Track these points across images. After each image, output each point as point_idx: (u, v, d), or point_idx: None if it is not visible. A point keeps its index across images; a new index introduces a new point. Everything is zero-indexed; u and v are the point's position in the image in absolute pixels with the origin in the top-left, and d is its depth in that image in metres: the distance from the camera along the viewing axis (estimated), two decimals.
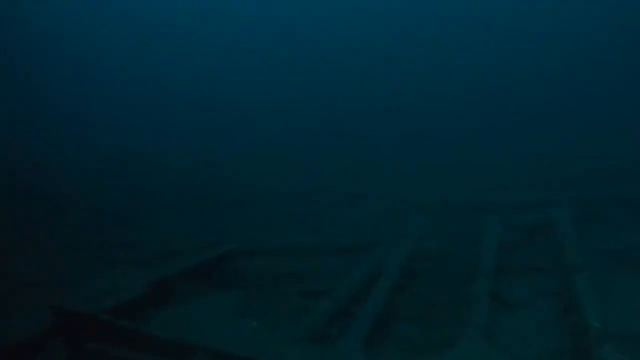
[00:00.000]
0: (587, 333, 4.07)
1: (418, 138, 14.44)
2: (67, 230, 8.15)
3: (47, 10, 24.65)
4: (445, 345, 4.30)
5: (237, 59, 24.51)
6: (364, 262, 6.48)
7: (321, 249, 7.21)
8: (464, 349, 4.09)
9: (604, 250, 6.81)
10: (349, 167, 11.55)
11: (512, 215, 8.22)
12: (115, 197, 10.49)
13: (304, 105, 18.73)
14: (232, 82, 22.07)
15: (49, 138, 15.75)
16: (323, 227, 8.27)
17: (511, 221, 7.70)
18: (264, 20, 27.15)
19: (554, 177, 10.72)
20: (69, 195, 10.12)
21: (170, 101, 20.57)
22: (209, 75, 23.06)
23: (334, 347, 4.19)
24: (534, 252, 6.83)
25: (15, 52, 21.99)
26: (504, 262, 6.35)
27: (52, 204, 9.32)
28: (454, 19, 23.92)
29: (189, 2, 28.27)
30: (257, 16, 27.37)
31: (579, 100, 17.06)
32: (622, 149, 12.20)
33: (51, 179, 10.79)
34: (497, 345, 4.42)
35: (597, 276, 5.52)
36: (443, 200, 9.43)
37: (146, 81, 22.59)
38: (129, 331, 3.90)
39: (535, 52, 20.49)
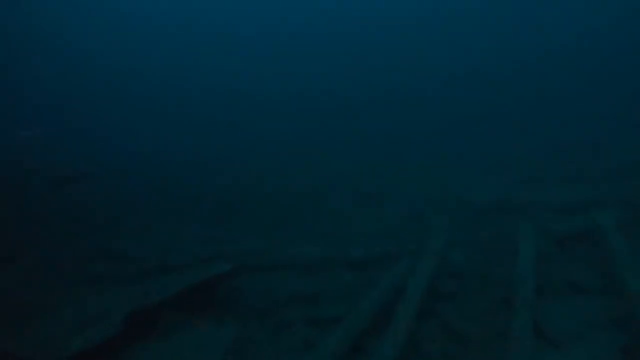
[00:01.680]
0: None
1: (435, 131, 13.39)
2: (56, 239, 7.44)
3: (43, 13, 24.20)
4: None
5: (247, 55, 23.79)
6: (381, 280, 5.64)
7: (332, 263, 6.37)
8: None
9: None
10: (364, 165, 10.57)
11: (548, 218, 7.26)
12: (118, 201, 9.78)
13: (315, 100, 17.78)
14: (240, 77, 21.32)
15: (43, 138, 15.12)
16: (335, 232, 7.41)
17: (548, 228, 6.71)
18: (272, 19, 26.35)
19: (586, 169, 9.66)
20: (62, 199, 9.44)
21: (174, 97, 19.88)
22: (215, 71, 22.36)
23: None
24: (577, 267, 5.88)
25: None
26: (544, 281, 5.45)
27: (41, 210, 8.62)
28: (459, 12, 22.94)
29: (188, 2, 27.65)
30: (269, 15, 26.61)
31: (593, 90, 15.81)
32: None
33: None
34: None
35: None
36: (468, 200, 8.48)
37: (147, 79, 22.01)
38: None
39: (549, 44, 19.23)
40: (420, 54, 20.90)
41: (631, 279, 5.13)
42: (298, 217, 8.18)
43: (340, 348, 4.20)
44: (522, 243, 6.10)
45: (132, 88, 22.20)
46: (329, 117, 15.81)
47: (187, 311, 4.89)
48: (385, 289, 5.36)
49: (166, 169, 12.55)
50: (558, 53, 18.19)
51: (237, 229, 7.70)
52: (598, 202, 7.73)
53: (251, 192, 9.61)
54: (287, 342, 4.55)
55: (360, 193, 8.99)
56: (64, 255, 6.62)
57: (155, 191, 10.07)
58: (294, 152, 12.28)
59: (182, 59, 24.76)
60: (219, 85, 21.51)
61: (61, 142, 14.98)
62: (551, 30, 19.68)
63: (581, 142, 11.19)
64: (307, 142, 13.50)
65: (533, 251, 5.90)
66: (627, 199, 7.85)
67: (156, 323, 4.58)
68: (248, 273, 6.12)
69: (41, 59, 21.97)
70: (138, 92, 21.69)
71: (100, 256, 6.59)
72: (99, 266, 6.20)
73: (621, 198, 7.87)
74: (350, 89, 18.27)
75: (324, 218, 8.12)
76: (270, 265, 6.43)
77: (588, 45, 18.01)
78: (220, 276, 5.36)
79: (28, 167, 11.04)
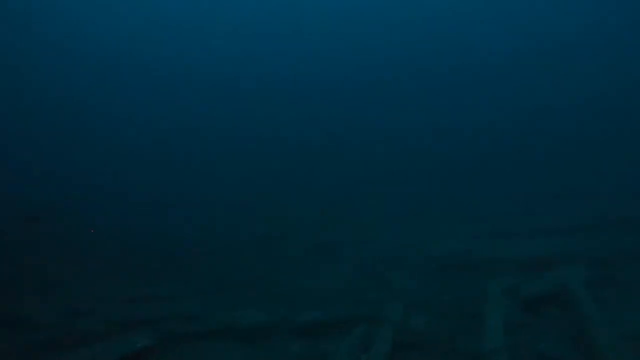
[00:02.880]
0: None
1: (398, 179, 12.93)
2: None
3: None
4: None
5: (212, 95, 23.18)
6: (334, 356, 4.88)
7: (278, 330, 5.56)
8: None
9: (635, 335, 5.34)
10: (322, 212, 9.90)
11: (514, 277, 6.74)
12: (39, 248, 8.65)
13: (270, 144, 17.15)
14: (204, 117, 20.59)
15: None
16: (284, 291, 6.61)
17: (515, 289, 6.15)
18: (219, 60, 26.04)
19: (552, 222, 9.33)
20: None
21: (137, 135, 18.85)
22: (177, 110, 21.58)
23: None
24: (548, 336, 5.29)
25: None
26: (513, 354, 4.83)
27: None
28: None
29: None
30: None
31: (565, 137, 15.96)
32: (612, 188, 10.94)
33: None
34: None
35: None
36: (430, 254, 7.91)
37: (109, 116, 20.97)
38: None
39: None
40: (385, 100, 20.87)
41: (607, 351, 4.59)
42: (244, 272, 7.35)
43: None
44: (489, 309, 5.50)
45: (90, 124, 21.02)
46: (289, 161, 15.17)
47: None
48: None
49: (112, 210, 11.47)
50: (528, 107, 18.44)
51: (172, 286, 6.78)
52: (565, 258, 7.33)
53: (196, 241, 8.73)
54: None
55: (315, 243, 8.28)
56: None
57: (85, 237, 9.03)
58: (243, 200, 11.48)
59: (142, 96, 23.85)
60: (180, 124, 20.65)
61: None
62: (521, 84, 20.07)
63: (547, 194, 10.96)
64: (266, 186, 12.75)
65: (500, 319, 5.30)
66: (594, 254, 7.49)
67: None
68: (176, 344, 5.22)
69: None
70: (98, 128, 20.47)
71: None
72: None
73: (588, 254, 7.50)
74: (312, 133, 17.81)
75: (274, 273, 7.33)
76: (205, 332, 5.55)
77: (554, 102, 18.35)
78: (136, 353, 4.45)
79: None
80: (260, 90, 23.04)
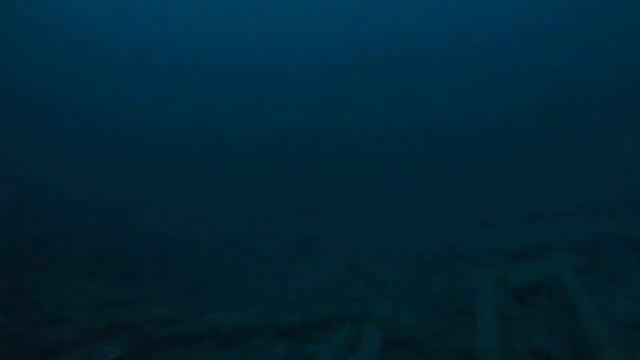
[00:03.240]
0: None
1: (377, 170, 12.66)
2: None
3: None
4: None
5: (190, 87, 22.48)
6: (319, 356, 4.63)
7: (261, 332, 5.28)
8: None
9: (628, 323, 5.23)
10: (300, 208, 9.60)
11: (502, 267, 6.59)
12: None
13: (247, 139, 16.64)
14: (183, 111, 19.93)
15: None
16: (264, 291, 6.32)
17: (504, 280, 5.99)
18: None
19: (534, 209, 9.24)
20: None
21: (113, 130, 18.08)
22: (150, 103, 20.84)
23: None
24: (540, 330, 5.14)
25: None
26: (506, 350, 4.66)
27: None
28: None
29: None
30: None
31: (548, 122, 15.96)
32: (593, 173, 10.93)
33: None
34: None
35: None
36: (414, 246, 7.71)
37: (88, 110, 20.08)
38: None
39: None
40: (366, 92, 20.58)
41: (604, 346, 4.44)
42: (224, 272, 7.02)
43: None
44: (480, 302, 5.32)
45: (58, 122, 20.13)
46: (268, 156, 14.76)
47: None
48: None
49: (84, 210, 10.95)
50: (507, 94, 18.38)
51: (148, 288, 6.42)
52: (551, 245, 7.23)
53: (173, 240, 8.36)
54: None
55: (297, 240, 7.99)
56: None
57: (54, 236, 8.56)
58: (230, 192, 11.06)
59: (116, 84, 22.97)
60: (153, 119, 19.95)
61: None
62: (500, 70, 20.00)
63: (527, 180, 10.87)
64: (244, 182, 12.34)
65: (493, 313, 5.12)
66: (579, 240, 7.41)
67: None
68: (154, 351, 4.89)
69: None
70: (75, 123, 19.59)
71: None
72: None
73: (573, 240, 7.42)
74: (292, 127, 17.41)
75: (255, 272, 7.03)
76: (184, 336, 5.23)
77: (537, 86, 18.33)
78: None
79: None
80: (236, 81, 22.52)
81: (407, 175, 12.21)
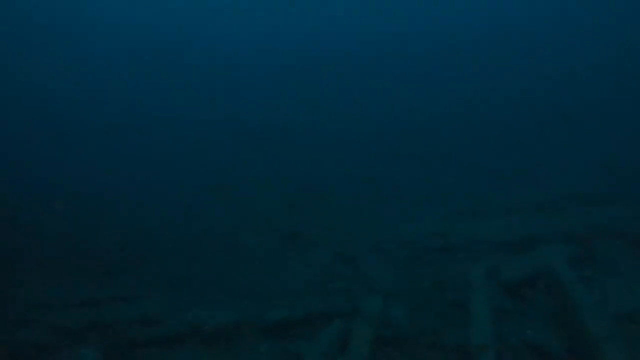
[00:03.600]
0: None
1: (364, 160, 12.35)
2: None
3: None
4: None
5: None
6: (308, 356, 4.42)
7: (245, 329, 5.04)
8: None
9: (623, 315, 5.09)
10: (286, 199, 9.29)
11: (495, 258, 6.42)
12: None
13: (231, 128, 16.16)
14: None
15: None
16: (250, 287, 6.08)
17: (498, 273, 5.82)
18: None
19: (524, 199, 9.09)
20: None
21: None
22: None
23: None
24: (536, 324, 4.98)
25: None
26: (501, 346, 4.49)
27: None
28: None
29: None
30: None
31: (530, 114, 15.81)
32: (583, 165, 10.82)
33: None
34: None
35: None
36: (404, 236, 7.51)
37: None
38: None
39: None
40: (352, 82, 20.25)
41: (601, 341, 4.29)
42: (207, 267, 6.75)
43: None
44: (473, 296, 5.13)
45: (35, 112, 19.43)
46: (254, 146, 14.37)
47: None
48: None
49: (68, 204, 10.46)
50: (497, 84, 18.19)
51: (127, 286, 6.14)
52: (543, 236, 7.09)
53: (153, 235, 8.03)
54: None
55: (283, 233, 7.73)
56: None
57: (30, 233, 8.17)
58: (215, 183, 10.66)
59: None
60: (131, 109, 19.31)
61: None
62: (489, 64, 19.78)
63: (516, 171, 10.72)
64: (230, 173, 11.95)
65: (486, 307, 4.94)
66: (571, 230, 7.28)
67: None
68: (134, 352, 4.64)
69: None
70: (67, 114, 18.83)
71: None
72: None
73: (565, 230, 7.29)
74: (278, 116, 17.04)
75: (239, 267, 6.77)
76: (164, 336, 4.98)
77: (527, 78, 18.16)
78: None
79: None
80: (219, 69, 21.99)
81: (397, 168, 11.99)
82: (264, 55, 23.25)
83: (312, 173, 11.68)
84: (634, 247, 6.73)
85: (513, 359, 4.39)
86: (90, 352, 4.14)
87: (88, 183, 11.38)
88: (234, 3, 26.41)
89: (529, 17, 22.96)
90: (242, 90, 19.61)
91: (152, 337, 4.91)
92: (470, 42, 21.60)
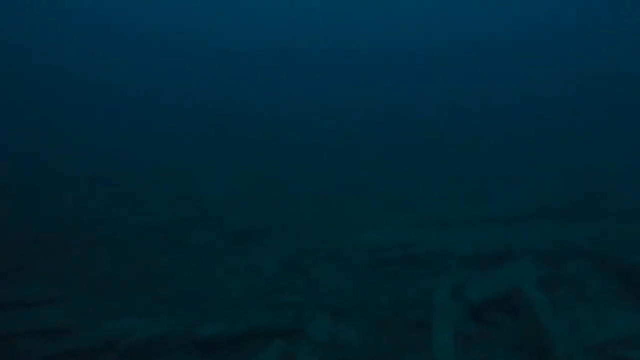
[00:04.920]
0: None
1: (330, 163, 11.73)
2: None
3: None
4: None
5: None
6: None
7: (173, 345, 4.33)
8: None
9: (592, 347, 4.66)
10: (244, 195, 8.51)
11: (460, 275, 5.92)
12: None
13: (187, 113, 15.31)
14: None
15: None
16: (188, 294, 5.36)
17: (464, 292, 5.29)
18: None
19: (493, 210, 8.69)
20: None
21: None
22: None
23: None
24: (505, 351, 4.47)
25: None
26: None
27: None
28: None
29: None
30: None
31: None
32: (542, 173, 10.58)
33: None
34: None
35: None
36: (365, 245, 6.94)
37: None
38: None
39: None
40: (321, 77, 19.69)
41: None
42: (139, 267, 5.97)
43: None
44: (435, 318, 4.58)
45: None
46: (209, 134, 13.55)
47: None
48: None
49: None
50: (473, 92, 17.97)
51: (39, 287, 5.30)
52: (511, 252, 6.67)
53: (83, 226, 7.14)
54: None
55: (234, 232, 7.02)
56: None
57: None
58: (162, 171, 9.79)
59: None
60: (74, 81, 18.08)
61: None
62: (463, 75, 19.59)
63: (490, 180, 10.33)
64: (180, 161, 11.09)
65: (450, 330, 4.39)
66: (540, 247, 6.88)
67: None
68: None
69: None
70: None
71: None
72: None
73: (534, 247, 6.88)
74: (240, 107, 16.24)
75: (178, 268, 6.03)
76: (76, 350, 4.21)
77: (507, 89, 18.05)
78: None
79: None
80: (175, 49, 21.06)
81: (365, 171, 11.43)
82: (244, 46, 22.43)
83: (275, 169, 10.99)
84: (602, 269, 6.38)
85: None
86: None
87: (24, 169, 10.36)
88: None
89: (499, 40, 22.92)
90: (202, 73, 18.75)
91: (60, 351, 4.14)
92: (450, 54, 21.41)
